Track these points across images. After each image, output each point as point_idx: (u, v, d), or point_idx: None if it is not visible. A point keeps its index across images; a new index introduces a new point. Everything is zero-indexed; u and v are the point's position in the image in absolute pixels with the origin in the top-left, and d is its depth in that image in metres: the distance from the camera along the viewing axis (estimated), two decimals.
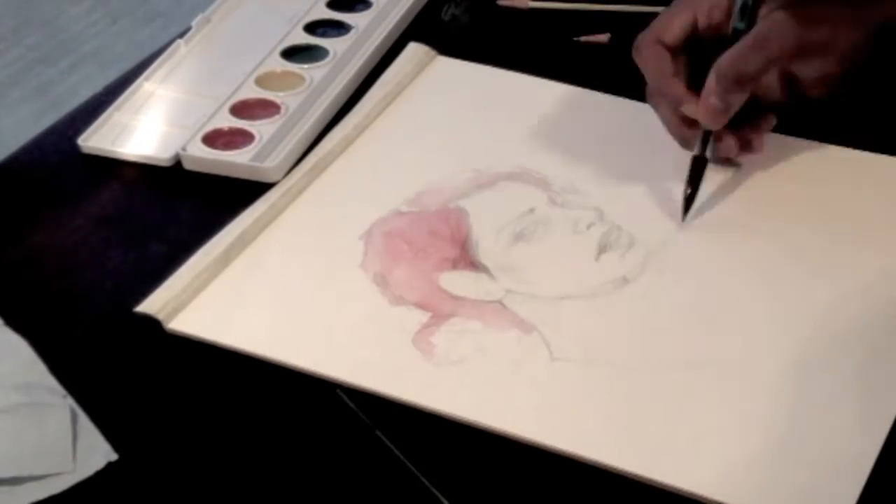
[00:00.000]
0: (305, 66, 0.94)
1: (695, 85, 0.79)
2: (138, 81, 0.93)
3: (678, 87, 0.79)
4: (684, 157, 0.80)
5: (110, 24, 2.27)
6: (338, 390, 0.71)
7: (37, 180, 0.89)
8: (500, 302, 0.75)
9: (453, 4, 1.01)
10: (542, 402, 0.69)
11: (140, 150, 0.88)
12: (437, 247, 0.79)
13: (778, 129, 0.83)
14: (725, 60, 0.77)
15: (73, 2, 2.30)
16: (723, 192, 0.81)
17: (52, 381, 0.72)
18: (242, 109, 0.91)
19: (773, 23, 0.77)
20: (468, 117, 0.89)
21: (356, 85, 0.94)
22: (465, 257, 0.78)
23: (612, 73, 0.92)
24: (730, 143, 0.80)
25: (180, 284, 0.77)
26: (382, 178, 0.85)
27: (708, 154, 0.79)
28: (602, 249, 0.78)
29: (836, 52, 0.77)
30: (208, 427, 0.71)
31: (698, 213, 0.80)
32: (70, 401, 0.71)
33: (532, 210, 0.81)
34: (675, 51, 0.80)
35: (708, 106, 0.77)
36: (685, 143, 0.81)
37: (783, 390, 0.69)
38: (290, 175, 0.85)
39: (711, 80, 0.77)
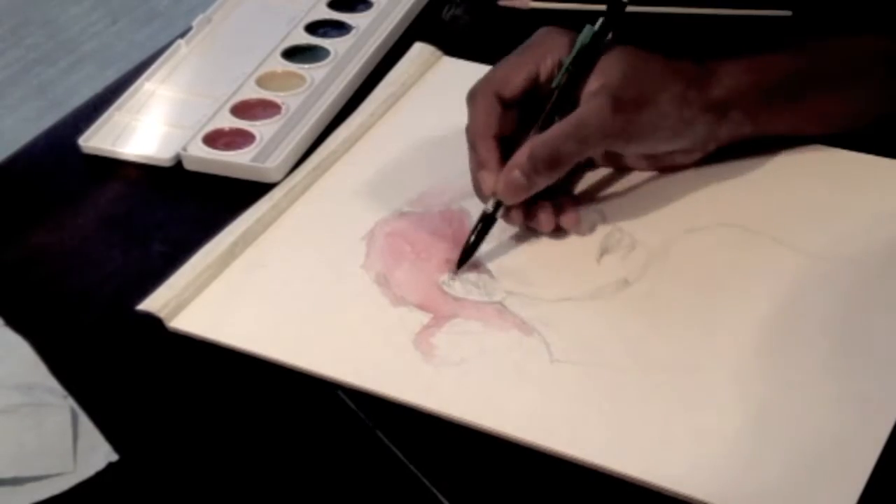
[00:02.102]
0: (306, 66, 0.94)
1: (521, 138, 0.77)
2: (139, 81, 0.93)
3: (487, 153, 0.77)
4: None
5: (110, 24, 2.27)
6: (338, 391, 0.71)
7: (37, 180, 0.89)
8: (500, 303, 0.75)
9: (454, 4, 1.01)
10: (541, 404, 0.69)
11: (141, 151, 0.88)
12: (438, 248, 0.79)
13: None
14: (541, 141, 0.75)
15: (73, 2, 2.31)
16: (722, 195, 0.80)
17: (52, 382, 0.72)
18: (243, 109, 0.91)
19: (593, 109, 0.75)
20: None
21: (357, 85, 0.94)
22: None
23: None
24: (545, 217, 0.77)
25: (182, 283, 0.77)
26: (385, 178, 0.85)
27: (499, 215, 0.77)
28: (604, 251, 0.78)
29: (661, 134, 0.77)
30: (209, 427, 0.71)
31: (698, 216, 0.79)
32: (70, 401, 0.71)
33: None
34: (511, 104, 0.78)
35: (510, 179, 0.75)
36: (480, 195, 0.78)
37: (783, 393, 0.69)
38: (293, 174, 0.85)
39: (521, 156, 0.75)
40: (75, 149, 0.89)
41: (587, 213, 0.80)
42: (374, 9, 0.99)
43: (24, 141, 0.92)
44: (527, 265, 0.77)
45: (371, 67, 0.95)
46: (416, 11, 1.00)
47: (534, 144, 0.75)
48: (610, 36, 0.77)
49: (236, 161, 0.87)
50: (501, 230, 0.79)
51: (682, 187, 0.79)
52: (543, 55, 0.79)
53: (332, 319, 0.75)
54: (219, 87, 0.93)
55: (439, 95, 0.91)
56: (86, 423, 0.70)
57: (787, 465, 0.65)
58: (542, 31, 0.80)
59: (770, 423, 0.67)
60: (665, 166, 0.81)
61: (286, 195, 0.83)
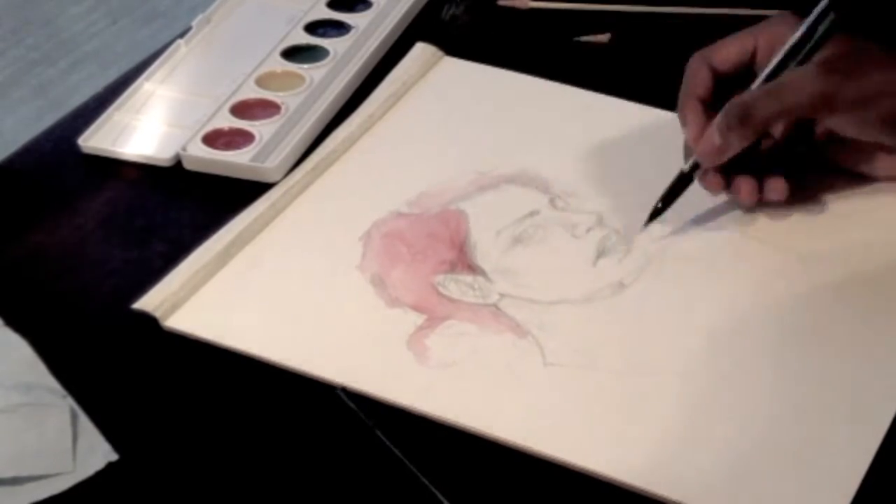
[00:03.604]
0: (306, 66, 0.94)
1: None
2: (138, 81, 0.93)
3: (692, 114, 0.77)
4: None
5: (110, 24, 2.26)
6: (337, 390, 0.71)
7: (37, 180, 0.89)
8: (495, 305, 0.75)
9: (453, 4, 1.01)
10: (533, 408, 0.69)
11: (140, 150, 0.88)
12: (435, 249, 0.79)
13: None
14: (737, 98, 0.75)
15: (73, 2, 2.30)
16: (721, 199, 0.80)
17: (52, 381, 0.72)
18: (243, 109, 0.91)
19: (798, 71, 0.74)
20: (473, 118, 0.89)
21: (356, 85, 0.94)
22: (463, 260, 0.78)
23: (613, 74, 0.92)
24: (746, 187, 0.77)
25: (178, 282, 0.77)
26: (384, 178, 0.85)
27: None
28: (600, 254, 0.78)
29: (872, 113, 0.74)
30: (209, 427, 0.71)
31: (697, 220, 0.79)
32: (70, 401, 0.71)
33: (532, 213, 0.81)
34: (722, 76, 0.78)
35: (707, 139, 0.75)
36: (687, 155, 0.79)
37: (776, 399, 0.68)
38: (291, 174, 0.85)
39: (719, 116, 0.75)
40: (75, 149, 0.89)
41: (585, 217, 0.80)
42: (373, 8, 0.99)
43: (24, 141, 0.92)
44: (523, 267, 0.77)
45: (370, 67, 0.95)
46: (416, 11, 1.00)
47: (731, 101, 0.75)
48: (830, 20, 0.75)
49: (236, 161, 0.87)
50: (500, 233, 0.79)
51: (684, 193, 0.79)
52: (763, 31, 0.78)
53: (327, 320, 0.75)
54: (218, 86, 0.93)
55: (440, 96, 0.91)
56: (85, 422, 0.70)
57: (779, 471, 0.65)
58: (774, 14, 0.80)
59: (762, 430, 0.67)
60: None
61: (284, 195, 0.83)
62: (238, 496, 0.67)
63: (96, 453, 0.69)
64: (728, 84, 0.78)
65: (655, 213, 0.78)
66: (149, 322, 0.76)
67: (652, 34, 0.96)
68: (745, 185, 0.77)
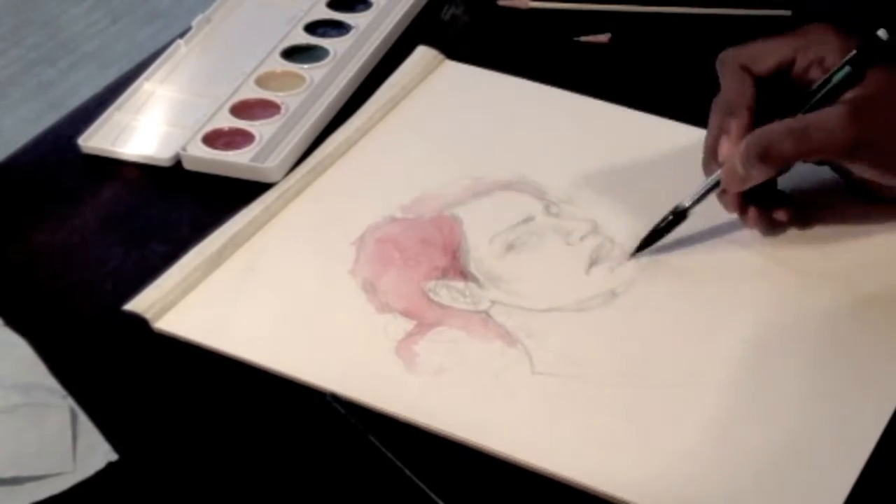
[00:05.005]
0: (306, 66, 0.94)
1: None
2: (138, 81, 0.93)
3: (738, 125, 0.74)
4: (685, 172, 0.80)
5: (110, 24, 2.26)
6: (327, 397, 0.71)
7: (37, 180, 0.89)
8: (486, 313, 0.75)
9: (453, 4, 1.01)
10: (519, 417, 0.69)
11: (140, 150, 0.88)
12: (428, 255, 0.79)
13: None
14: (760, 132, 0.72)
15: (73, 2, 2.30)
16: (717, 208, 0.79)
17: (52, 381, 0.72)
18: (243, 109, 0.91)
19: (828, 113, 0.72)
20: (472, 123, 0.89)
21: (356, 85, 0.94)
22: (455, 266, 0.78)
23: (613, 74, 0.92)
24: (754, 215, 0.76)
25: (170, 284, 0.77)
26: (380, 182, 0.85)
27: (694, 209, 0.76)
28: (593, 262, 0.77)
29: (891, 157, 0.72)
30: (208, 427, 0.71)
31: (692, 229, 0.78)
32: (70, 401, 0.71)
33: (526, 220, 0.80)
34: (759, 81, 0.76)
35: (730, 166, 0.73)
36: (706, 168, 0.77)
37: (767, 411, 0.68)
38: (287, 177, 0.85)
39: (742, 145, 0.73)
40: (75, 149, 0.89)
41: (579, 224, 0.80)
42: (373, 9, 0.99)
43: (24, 141, 0.92)
44: (515, 274, 0.77)
45: (370, 67, 0.95)
46: (416, 11, 1.00)
47: (755, 134, 0.73)
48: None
49: (236, 161, 0.86)
50: (493, 239, 0.79)
51: (674, 200, 0.79)
52: (806, 46, 0.75)
53: (317, 325, 0.75)
54: (218, 86, 0.93)
55: (439, 100, 0.91)
56: (85, 422, 0.70)
57: (767, 483, 0.65)
58: (813, 24, 0.77)
59: (751, 442, 0.66)
60: None
61: (279, 198, 0.83)
62: (237, 496, 0.67)
63: (96, 453, 0.69)
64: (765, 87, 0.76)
65: (645, 243, 0.77)
66: (142, 321, 0.76)
67: (652, 34, 0.96)
68: (752, 212, 0.76)
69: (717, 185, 0.76)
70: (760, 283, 0.75)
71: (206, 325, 0.75)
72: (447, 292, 0.76)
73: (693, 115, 0.83)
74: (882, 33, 0.73)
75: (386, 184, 0.84)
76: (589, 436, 0.67)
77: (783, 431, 0.67)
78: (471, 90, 0.92)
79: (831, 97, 0.73)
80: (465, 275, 0.77)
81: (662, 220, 0.77)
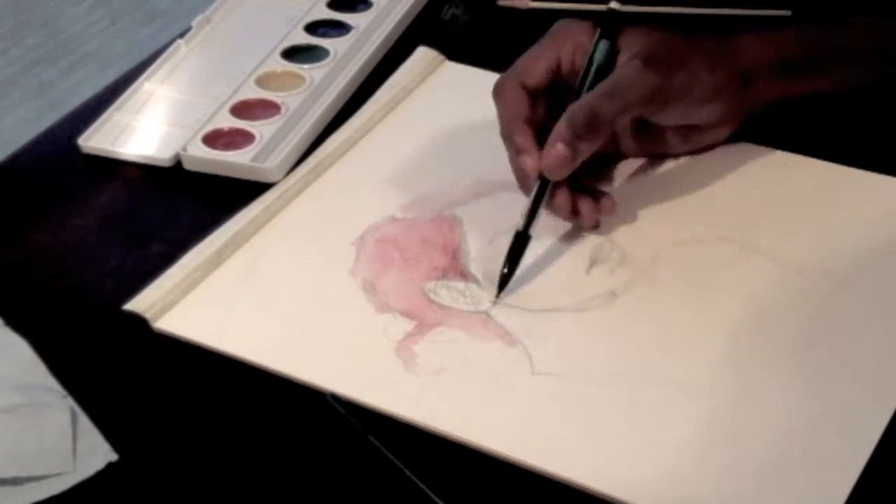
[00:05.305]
0: (306, 66, 0.94)
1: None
2: (138, 81, 0.93)
3: (524, 137, 0.77)
4: (684, 172, 0.80)
5: (110, 24, 2.26)
6: (328, 397, 0.71)
7: (37, 180, 0.89)
8: (486, 313, 0.75)
9: (453, 4, 1.01)
10: (519, 418, 0.68)
11: (140, 150, 0.88)
12: (428, 255, 0.79)
13: (779, 146, 0.83)
14: (578, 105, 0.75)
15: (73, 2, 2.30)
16: (714, 209, 0.80)
17: (52, 382, 0.72)
18: (243, 109, 0.91)
19: (628, 70, 0.76)
20: (472, 124, 0.89)
21: (357, 85, 0.94)
22: (455, 266, 0.78)
23: None
24: (587, 211, 0.77)
25: (169, 284, 0.77)
26: (380, 182, 0.84)
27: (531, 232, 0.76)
28: (593, 263, 0.77)
29: (693, 98, 0.77)
30: (208, 428, 0.71)
31: (688, 230, 0.78)
32: (70, 401, 0.71)
33: None
34: (536, 94, 0.78)
35: (554, 153, 0.75)
36: (524, 184, 0.77)
37: (765, 413, 0.68)
38: (287, 177, 0.85)
39: (560, 127, 0.75)
40: (75, 149, 0.89)
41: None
42: (373, 9, 0.99)
43: (24, 141, 0.92)
44: (515, 275, 0.76)
45: (371, 67, 0.95)
46: (416, 11, 1.01)
47: (571, 111, 0.75)
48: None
49: (236, 161, 0.87)
50: (493, 240, 0.79)
51: (674, 199, 0.79)
52: (563, 42, 0.79)
53: (317, 325, 0.75)
54: (218, 86, 0.93)
55: (440, 101, 0.91)
56: (85, 422, 0.70)
57: (767, 483, 0.64)
58: (559, 23, 0.81)
59: (751, 442, 0.66)
60: (699, 149, 0.82)
61: (278, 198, 0.83)
62: (237, 496, 0.67)
63: (96, 453, 0.69)
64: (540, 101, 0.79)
65: (504, 280, 0.75)
66: (142, 321, 0.76)
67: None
68: (584, 207, 0.77)
69: (541, 195, 0.76)
70: (760, 284, 0.75)
71: (205, 325, 0.75)
72: (447, 292, 0.76)
73: None
74: (615, 4, 0.79)
75: (386, 184, 0.84)
76: (589, 436, 0.67)
77: (783, 431, 0.67)
78: (471, 91, 0.91)
79: (604, 74, 0.77)
80: (465, 275, 0.77)
81: (509, 251, 0.76)
